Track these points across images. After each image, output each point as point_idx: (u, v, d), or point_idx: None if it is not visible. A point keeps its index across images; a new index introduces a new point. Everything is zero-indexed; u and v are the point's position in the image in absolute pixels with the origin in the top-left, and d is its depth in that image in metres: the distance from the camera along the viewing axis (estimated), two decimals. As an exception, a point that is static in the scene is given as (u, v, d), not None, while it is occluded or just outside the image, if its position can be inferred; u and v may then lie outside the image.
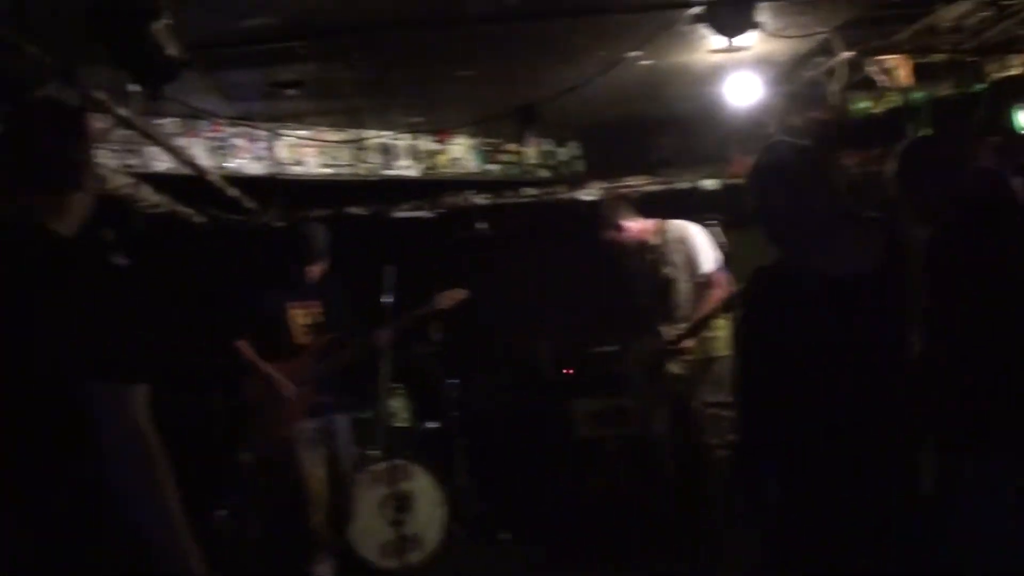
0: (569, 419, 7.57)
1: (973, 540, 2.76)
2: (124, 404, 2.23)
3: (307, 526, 5.81)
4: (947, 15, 4.79)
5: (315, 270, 5.98)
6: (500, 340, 8.39)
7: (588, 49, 5.21)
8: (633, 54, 5.20)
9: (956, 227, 3.01)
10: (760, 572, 2.95)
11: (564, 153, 7.96)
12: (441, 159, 7.48)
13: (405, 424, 7.13)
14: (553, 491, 7.38)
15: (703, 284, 5.90)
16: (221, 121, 6.31)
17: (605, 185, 7.53)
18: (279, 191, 7.09)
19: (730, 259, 5.90)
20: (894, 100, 5.51)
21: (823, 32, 5.17)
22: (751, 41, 4.83)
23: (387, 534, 6.24)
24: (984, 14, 4.82)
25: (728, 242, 5.97)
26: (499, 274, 8.03)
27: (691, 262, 5.95)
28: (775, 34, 4.87)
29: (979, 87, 5.49)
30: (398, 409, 7.11)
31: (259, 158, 6.70)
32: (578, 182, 7.74)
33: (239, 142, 6.56)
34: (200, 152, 6.26)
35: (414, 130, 7.19)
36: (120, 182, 5.28)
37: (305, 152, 6.91)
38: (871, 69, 5.39)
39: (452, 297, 6.17)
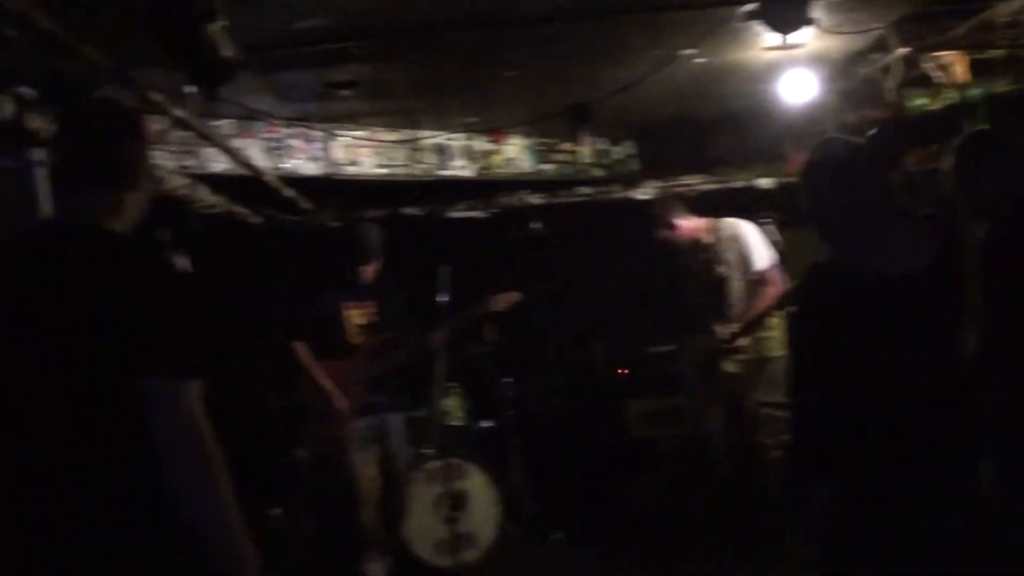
0: (623, 419, 7.55)
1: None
2: (179, 400, 2.25)
3: (358, 524, 5.85)
4: (1004, 10, 4.71)
5: (369, 270, 6.01)
6: (555, 340, 8.39)
7: (642, 47, 5.19)
8: (687, 52, 5.18)
9: (1013, 222, 2.97)
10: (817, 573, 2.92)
11: (618, 152, 7.95)
12: (495, 159, 7.50)
13: (460, 423, 7.15)
14: (607, 491, 7.37)
15: (756, 282, 5.87)
16: (277, 122, 6.36)
17: (660, 184, 7.51)
18: (334, 191, 7.13)
19: (785, 257, 5.86)
20: (951, 97, 5.42)
21: (878, 28, 5.10)
22: (806, 38, 4.79)
23: (441, 532, 6.25)
24: (1042, 9, 4.75)
25: (783, 240, 5.93)
26: (553, 274, 8.03)
27: (744, 260, 5.92)
28: (830, 30, 4.82)
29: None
30: (453, 408, 7.13)
31: (315, 159, 6.74)
32: (632, 181, 7.72)
33: (295, 143, 6.61)
34: (256, 153, 6.31)
35: (468, 130, 7.21)
36: (177, 183, 5.34)
37: (360, 152, 6.95)
38: (927, 65, 5.32)
39: (506, 300, 6.18)
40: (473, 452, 6.73)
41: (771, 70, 5.65)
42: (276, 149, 6.51)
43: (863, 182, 2.73)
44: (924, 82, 5.48)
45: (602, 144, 7.86)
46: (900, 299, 2.65)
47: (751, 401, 5.81)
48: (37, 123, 3.62)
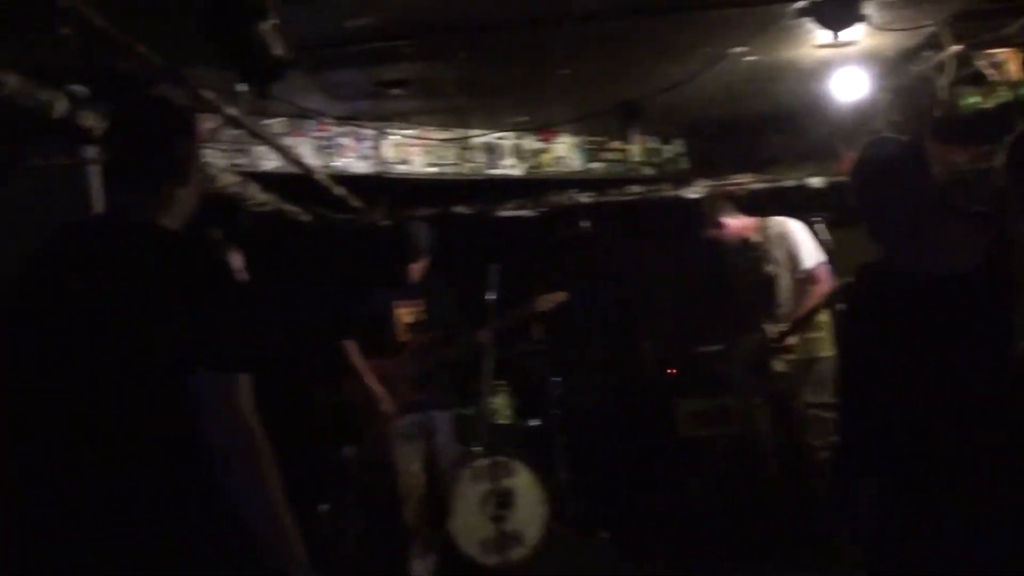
0: (671, 419, 7.53)
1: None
2: (229, 394, 2.26)
3: (402, 522, 5.87)
4: (1059, 7, 4.66)
5: (418, 268, 6.04)
6: (603, 339, 8.38)
7: (693, 45, 5.17)
8: (737, 50, 5.15)
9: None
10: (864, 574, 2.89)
11: (669, 151, 7.91)
12: (545, 158, 7.49)
13: (507, 421, 7.16)
14: (653, 491, 7.35)
15: (805, 281, 5.83)
16: (327, 120, 6.40)
17: (710, 183, 7.46)
18: (384, 190, 7.16)
19: (834, 257, 5.81)
20: (1004, 95, 5.35)
21: (931, 25, 5.04)
22: (857, 35, 4.74)
23: (488, 530, 6.27)
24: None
25: (833, 240, 5.88)
26: (602, 273, 8.02)
27: (793, 258, 5.88)
28: (882, 28, 4.77)
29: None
30: (501, 406, 7.15)
31: (365, 157, 6.77)
32: (683, 180, 7.68)
33: (345, 141, 6.65)
34: (307, 151, 6.35)
35: (518, 129, 7.21)
36: (228, 181, 5.39)
37: (410, 151, 6.97)
38: (981, 63, 5.25)
39: (552, 299, 6.20)
40: (520, 450, 6.74)
41: (822, 68, 5.60)
42: (327, 148, 6.55)
43: (914, 181, 2.70)
44: (977, 80, 5.40)
45: (652, 143, 7.83)
46: (951, 299, 2.61)
47: (799, 401, 5.78)
48: (90, 121, 3.67)
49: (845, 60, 5.44)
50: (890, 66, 5.74)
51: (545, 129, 7.33)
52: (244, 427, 2.27)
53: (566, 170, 7.57)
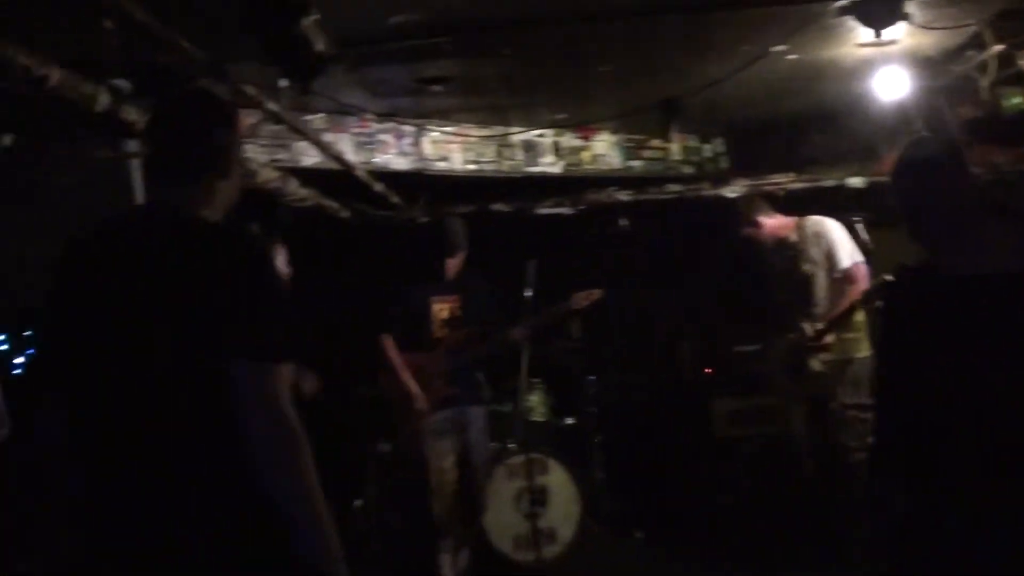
0: (708, 418, 7.50)
1: None
2: (267, 383, 2.28)
3: (432, 517, 5.88)
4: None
5: (454, 263, 6.05)
6: (640, 338, 8.36)
7: (734, 43, 5.14)
8: (778, 48, 5.12)
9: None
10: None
11: (708, 149, 7.89)
12: (584, 155, 7.49)
13: (543, 419, 7.17)
14: (689, 491, 7.33)
15: (842, 280, 5.80)
16: (368, 117, 6.43)
17: (749, 182, 7.43)
18: (424, 187, 7.18)
19: (874, 258, 5.76)
20: (1047, 96, 5.31)
21: (973, 24, 4.99)
22: (899, 34, 4.71)
23: (522, 527, 6.28)
24: None
25: (872, 240, 5.84)
26: (640, 271, 8.01)
27: (830, 258, 5.85)
28: (924, 26, 4.72)
29: None
30: (536, 404, 7.16)
31: (405, 154, 6.80)
32: (722, 179, 7.65)
33: (385, 138, 6.68)
34: (347, 147, 6.38)
35: (558, 126, 7.21)
36: (268, 176, 5.42)
37: (450, 148, 6.99)
38: (1023, 63, 5.20)
39: (587, 297, 6.19)
40: (555, 448, 6.75)
41: (863, 67, 5.56)
42: (367, 144, 6.58)
43: (954, 181, 2.68)
44: (1020, 80, 5.34)
45: (692, 141, 7.81)
46: (991, 300, 2.59)
47: (835, 402, 5.75)
48: (132, 115, 3.71)
49: (886, 59, 5.40)
50: (932, 66, 5.70)
51: (584, 127, 7.32)
52: (283, 417, 2.28)
53: (605, 168, 7.57)
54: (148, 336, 2.32)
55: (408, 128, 6.71)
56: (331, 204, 6.63)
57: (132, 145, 4.08)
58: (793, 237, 6.04)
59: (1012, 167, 5.14)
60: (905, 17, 4.21)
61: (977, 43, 5.21)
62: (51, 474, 2.64)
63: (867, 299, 5.33)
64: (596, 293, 6.21)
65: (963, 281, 2.61)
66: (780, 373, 6.14)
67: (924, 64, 5.61)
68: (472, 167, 7.10)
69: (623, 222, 7.69)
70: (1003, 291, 2.58)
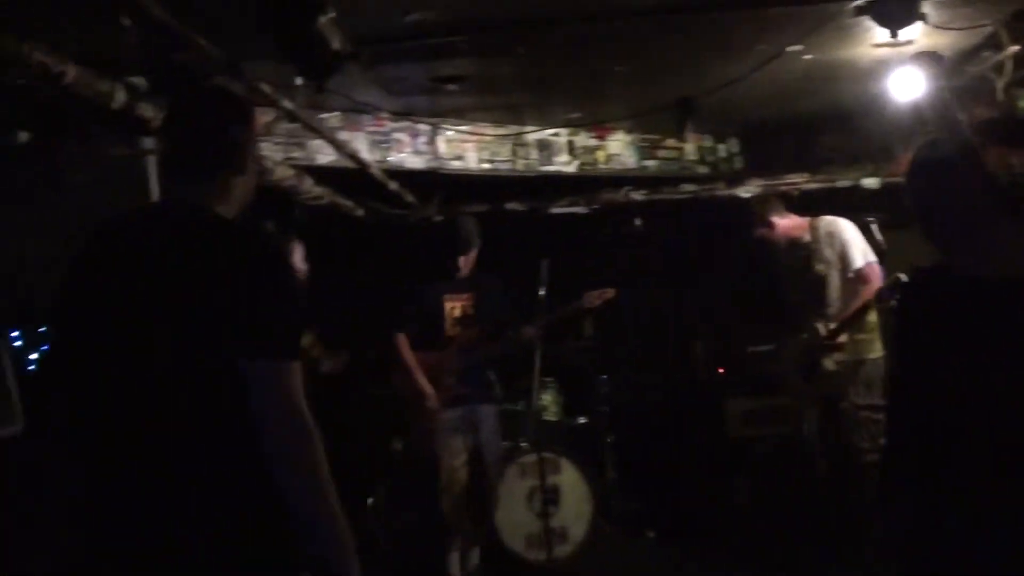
0: (721, 418, 7.50)
1: None
2: (281, 380, 2.29)
3: (442, 515, 5.88)
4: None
5: (466, 260, 6.05)
6: (653, 338, 8.36)
7: (750, 43, 5.13)
8: (794, 48, 5.11)
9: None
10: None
11: (723, 149, 7.89)
12: (599, 155, 7.49)
13: (555, 418, 7.17)
14: (701, 491, 7.33)
15: (855, 280, 5.79)
16: (383, 115, 6.43)
17: (764, 182, 7.43)
18: (439, 186, 7.19)
19: (888, 259, 5.75)
20: (1063, 97, 5.28)
21: (989, 25, 4.97)
22: (915, 35, 4.69)
23: (533, 526, 6.28)
24: None
25: (887, 242, 5.83)
26: (654, 271, 8.00)
27: (843, 258, 5.85)
28: (940, 26, 4.70)
29: None
30: (549, 403, 7.16)
31: (419, 153, 6.81)
32: (737, 179, 7.64)
33: (400, 136, 6.68)
34: (362, 146, 6.39)
35: (573, 125, 7.21)
36: (283, 174, 5.43)
37: (465, 147, 7.00)
38: (1039, 64, 5.18)
39: (600, 296, 6.19)
40: (567, 447, 6.75)
41: (879, 68, 5.54)
42: (382, 143, 6.59)
43: (968, 182, 2.66)
44: (1037, 81, 5.33)
45: (707, 141, 7.81)
46: (1007, 303, 2.57)
47: (848, 403, 5.74)
48: (149, 112, 3.72)
49: (902, 60, 5.38)
50: (947, 67, 5.67)
51: (599, 126, 7.32)
52: (295, 411, 2.29)
53: (620, 167, 7.57)
54: (159, 332, 2.33)
55: (423, 127, 6.72)
56: (346, 203, 6.64)
57: (148, 142, 4.09)
58: (806, 237, 6.04)
59: (1027, 170, 5.10)
60: (921, 17, 4.18)
61: (993, 44, 5.18)
62: (55, 471, 2.66)
63: (880, 298, 5.32)
64: (609, 292, 6.21)
65: (977, 283, 2.60)
66: (793, 373, 6.13)
67: (939, 62, 5.58)
68: (487, 166, 7.10)
69: (637, 222, 7.69)
70: (1017, 294, 2.56)
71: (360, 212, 6.99)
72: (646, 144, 7.60)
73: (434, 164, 6.86)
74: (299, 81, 4.40)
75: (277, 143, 5.91)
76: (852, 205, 6.48)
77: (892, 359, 2.84)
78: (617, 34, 5.02)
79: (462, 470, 5.94)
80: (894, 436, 2.79)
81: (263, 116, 5.30)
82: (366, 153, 6.35)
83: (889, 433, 2.84)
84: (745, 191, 7.37)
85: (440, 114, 6.60)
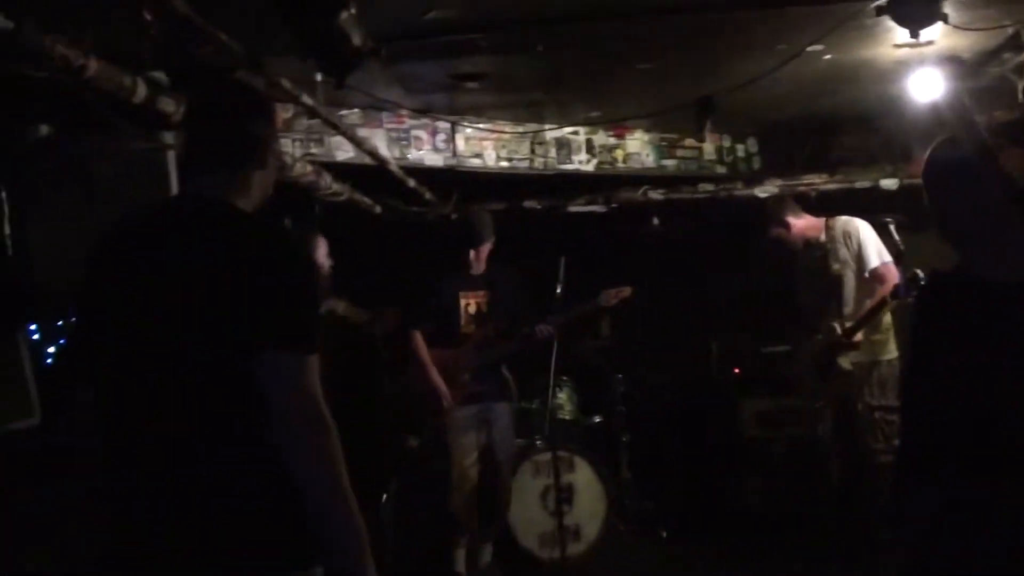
0: (736, 419, 7.49)
1: None
2: (298, 373, 2.29)
3: (450, 512, 5.89)
4: None
5: (480, 255, 6.02)
6: (669, 337, 8.35)
7: (770, 42, 5.12)
8: (814, 48, 5.09)
9: None
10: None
11: (742, 149, 7.88)
12: (617, 154, 7.49)
13: (570, 417, 7.16)
14: (715, 491, 7.32)
15: (871, 280, 5.78)
16: (403, 113, 6.44)
17: (782, 183, 7.42)
18: (457, 183, 7.20)
19: (905, 260, 5.73)
20: (1083, 98, 5.25)
21: (1011, 26, 4.95)
22: (935, 35, 4.67)
23: (547, 524, 6.29)
24: None
25: (905, 244, 5.81)
26: (671, 270, 8.00)
27: (859, 258, 5.85)
28: (961, 27, 4.68)
29: None
30: (564, 401, 7.15)
31: (438, 150, 6.82)
32: (755, 179, 7.64)
33: (420, 134, 6.70)
34: (381, 143, 6.40)
35: (592, 123, 7.21)
36: (302, 170, 5.45)
37: (484, 145, 7.00)
38: (1061, 66, 5.16)
39: (617, 294, 6.18)
40: (582, 446, 6.75)
41: (899, 69, 5.53)
42: (401, 140, 6.60)
43: (985, 184, 2.65)
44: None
45: (725, 141, 7.80)
46: (1021, 308, 2.56)
47: (862, 404, 5.73)
48: (169, 107, 3.73)
49: (922, 61, 5.37)
50: (968, 67, 5.65)
51: (618, 125, 7.32)
52: (311, 404, 2.29)
53: (638, 166, 7.57)
54: (178, 324, 2.33)
55: (442, 124, 6.73)
56: (364, 199, 6.65)
57: (169, 137, 4.11)
58: (822, 237, 6.04)
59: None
60: (943, 17, 4.17)
61: (1014, 45, 5.16)
62: (76, 462, 2.67)
63: (897, 294, 5.30)
64: (626, 291, 6.20)
65: (993, 287, 2.59)
66: (808, 374, 6.12)
67: (960, 66, 5.56)
68: (505, 164, 7.11)
69: (655, 221, 7.69)
70: None
71: (378, 209, 7.00)
72: (665, 143, 7.60)
73: (453, 162, 6.87)
74: (319, 77, 4.42)
75: (296, 139, 5.93)
76: (870, 206, 6.47)
77: (907, 360, 2.83)
78: (636, 32, 5.02)
79: (473, 468, 5.93)
80: (908, 439, 2.79)
81: (283, 112, 5.33)
82: (385, 150, 6.36)
83: (903, 435, 2.83)
84: (763, 191, 7.37)
85: (459, 112, 6.61)
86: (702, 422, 7.86)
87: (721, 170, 7.82)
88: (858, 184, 7.29)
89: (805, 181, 7.38)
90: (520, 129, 7.03)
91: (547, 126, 7.07)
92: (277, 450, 2.27)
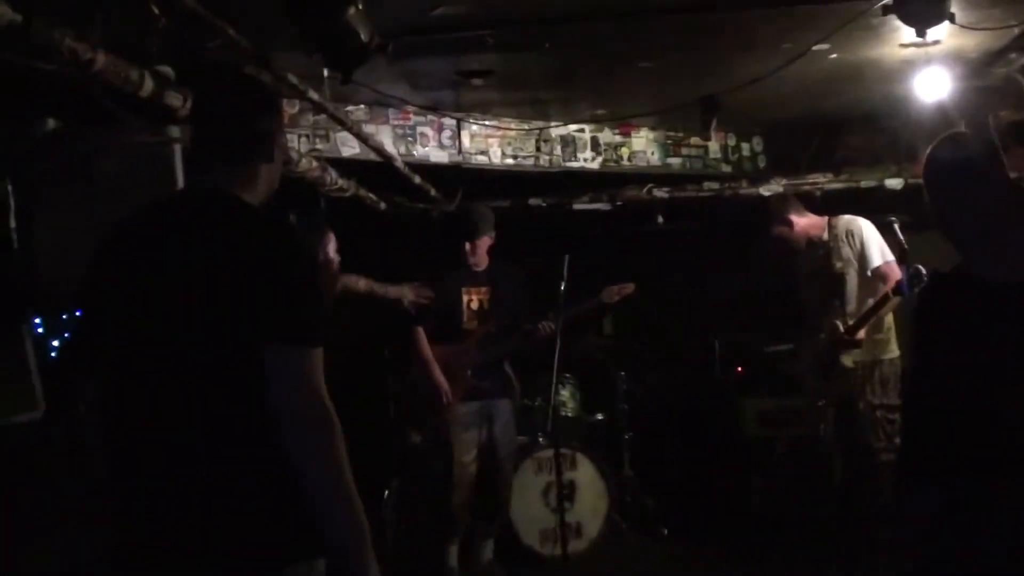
0: (738, 417, 7.49)
1: None
2: (301, 366, 2.30)
3: (448, 509, 5.89)
4: None
5: (473, 247, 6.00)
6: (672, 335, 8.36)
7: (776, 41, 5.12)
8: (819, 47, 5.09)
9: None
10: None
11: (747, 148, 7.88)
12: (623, 152, 7.49)
13: (572, 414, 7.17)
14: (717, 489, 7.32)
15: (873, 279, 5.79)
16: (409, 109, 6.45)
17: (787, 181, 7.42)
18: (462, 181, 7.20)
19: (909, 261, 5.73)
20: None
21: (1018, 25, 4.95)
22: (942, 34, 4.67)
23: (549, 521, 6.30)
24: None
25: (909, 243, 5.81)
26: (674, 269, 8.00)
27: (861, 257, 5.85)
28: (967, 27, 4.67)
29: None
30: (567, 399, 7.16)
31: (444, 147, 6.82)
32: (760, 178, 7.64)
33: (425, 130, 6.70)
34: (387, 139, 6.41)
35: (598, 121, 7.22)
36: (308, 166, 5.46)
37: (489, 142, 7.01)
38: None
39: (619, 291, 6.18)
40: (584, 443, 6.76)
41: (905, 68, 5.53)
42: (406, 136, 6.60)
43: (989, 184, 2.64)
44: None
45: (731, 139, 7.80)
46: (1021, 307, 2.56)
47: (864, 403, 5.73)
48: (176, 101, 3.74)
49: (928, 60, 5.36)
50: (974, 67, 5.65)
51: (624, 123, 7.32)
52: (315, 397, 2.30)
53: (643, 165, 7.57)
54: (183, 316, 2.34)
55: (448, 121, 6.73)
56: (369, 195, 6.66)
57: (175, 131, 4.11)
58: (825, 236, 6.04)
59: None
60: (949, 17, 4.16)
61: (1020, 45, 5.16)
62: (81, 454, 2.68)
63: (898, 290, 5.29)
64: (629, 287, 6.20)
65: (994, 287, 2.59)
66: (811, 373, 6.12)
67: (966, 65, 5.56)
68: (510, 161, 7.11)
69: (659, 219, 7.69)
70: None
71: (383, 206, 7.00)
72: (670, 142, 7.60)
73: (458, 159, 6.87)
74: (326, 73, 4.43)
75: (302, 135, 5.94)
76: (875, 206, 6.47)
77: (908, 360, 2.83)
78: (643, 31, 5.02)
79: (472, 465, 5.93)
80: (910, 438, 2.79)
81: (289, 108, 5.33)
82: (390, 146, 6.36)
83: (905, 434, 2.84)
84: (768, 190, 7.37)
85: (465, 109, 6.62)
86: (704, 421, 7.86)
87: (726, 169, 7.82)
88: (863, 184, 7.29)
89: (810, 180, 7.38)
90: (526, 126, 7.03)
91: (553, 123, 7.08)
92: (281, 444, 2.28)
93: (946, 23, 4.21)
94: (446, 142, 6.80)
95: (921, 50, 5.04)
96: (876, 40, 5.14)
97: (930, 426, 2.65)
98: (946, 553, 2.61)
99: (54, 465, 3.78)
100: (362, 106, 6.27)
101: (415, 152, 6.63)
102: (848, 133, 7.47)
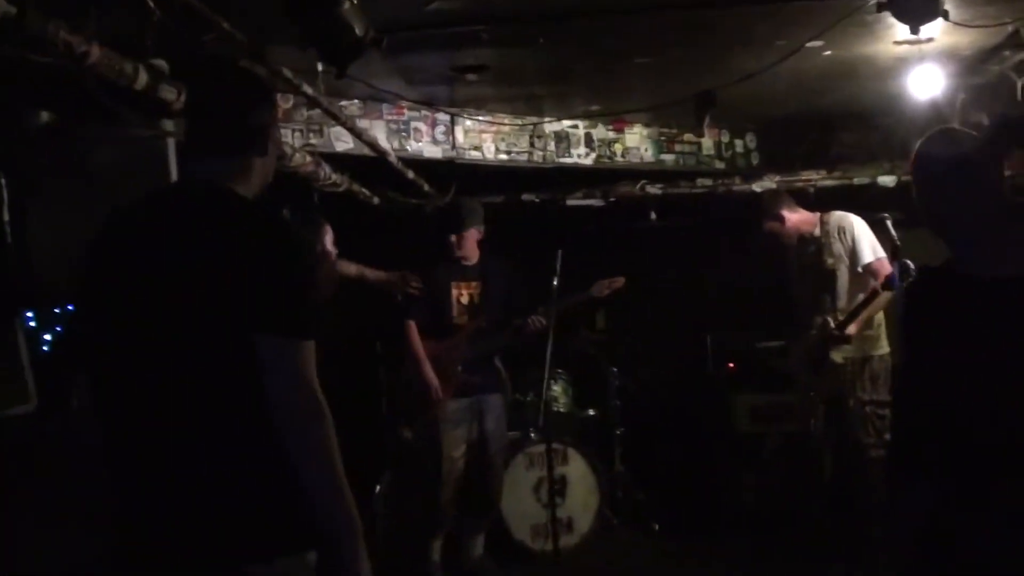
0: (729, 413, 7.51)
1: None
2: (294, 358, 2.30)
3: (436, 504, 5.89)
4: None
5: (459, 239, 5.97)
6: (664, 331, 8.37)
7: (771, 38, 5.13)
8: (813, 44, 5.10)
9: None
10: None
11: (741, 145, 7.89)
12: (616, 148, 7.50)
13: (565, 409, 7.18)
14: (708, 485, 7.34)
15: (864, 275, 5.80)
16: (403, 104, 6.45)
17: (780, 178, 7.44)
18: (456, 176, 7.20)
19: (902, 256, 5.74)
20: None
21: (1011, 23, 4.95)
22: (935, 32, 4.68)
23: (540, 516, 6.31)
24: None
25: (902, 240, 5.82)
26: (667, 265, 8.02)
27: (852, 253, 5.87)
28: (961, 24, 4.68)
29: None
30: (559, 394, 7.16)
31: (437, 142, 6.82)
32: (753, 174, 7.66)
33: (419, 125, 6.70)
34: (380, 134, 6.41)
35: (591, 117, 7.23)
36: (301, 161, 5.45)
37: (483, 138, 7.01)
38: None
39: (609, 285, 6.17)
40: (576, 439, 6.77)
41: (898, 66, 5.54)
42: (400, 131, 6.61)
43: (979, 181, 2.64)
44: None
45: (724, 136, 7.82)
46: (1012, 304, 2.56)
47: (854, 399, 5.75)
48: (170, 94, 3.73)
49: (921, 58, 5.38)
50: (968, 65, 5.66)
51: (617, 119, 7.33)
52: (307, 389, 2.30)
53: (637, 161, 7.58)
54: (176, 309, 2.34)
55: (442, 116, 6.73)
56: (362, 190, 6.65)
57: (169, 124, 4.11)
58: (816, 232, 6.05)
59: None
60: (944, 14, 4.17)
61: (1014, 43, 5.17)
62: (74, 448, 2.68)
63: (888, 285, 5.30)
64: (619, 281, 6.18)
65: (983, 283, 2.59)
66: (802, 368, 6.13)
67: (960, 63, 5.58)
68: (504, 157, 7.12)
69: (652, 216, 7.70)
70: (1019, 294, 2.54)
71: (376, 200, 7.00)
72: (663, 138, 7.62)
73: (452, 154, 6.88)
74: (320, 67, 4.42)
75: (296, 129, 5.94)
76: (868, 202, 6.49)
77: (898, 356, 2.83)
78: (637, 27, 5.02)
79: (460, 461, 5.91)
80: (899, 433, 2.80)
81: (283, 102, 5.32)
82: (384, 141, 6.36)
83: (895, 430, 2.84)
84: (761, 187, 7.39)
85: (459, 104, 6.62)
86: (696, 416, 7.88)
87: (720, 165, 7.83)
88: (856, 180, 7.31)
89: (803, 177, 7.40)
90: (519, 122, 7.03)
91: (546, 119, 7.08)
92: (274, 436, 2.28)
93: (940, 20, 4.22)
94: (440, 137, 6.81)
95: (915, 47, 5.05)
96: (870, 37, 5.15)
97: (920, 421, 2.66)
98: (940, 550, 2.62)
99: (48, 460, 3.77)
100: (356, 101, 6.27)
101: (409, 147, 6.64)
102: (842, 130, 7.49)
